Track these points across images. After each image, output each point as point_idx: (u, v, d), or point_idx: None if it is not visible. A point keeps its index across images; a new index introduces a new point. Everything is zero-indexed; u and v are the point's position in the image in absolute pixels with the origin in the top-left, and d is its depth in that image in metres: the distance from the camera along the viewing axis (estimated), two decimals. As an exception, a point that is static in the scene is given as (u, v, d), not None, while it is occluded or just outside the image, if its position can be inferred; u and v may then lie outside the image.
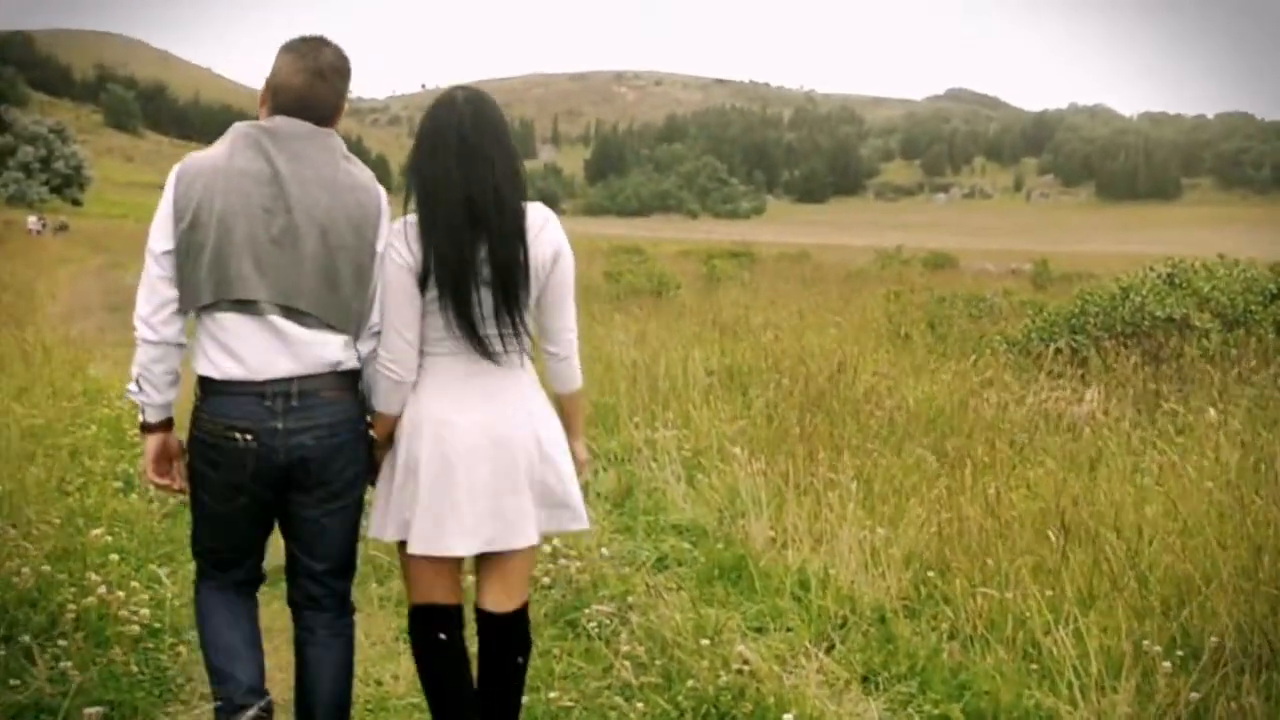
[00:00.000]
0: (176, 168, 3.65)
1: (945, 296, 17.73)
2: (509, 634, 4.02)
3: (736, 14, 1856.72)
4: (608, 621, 5.50)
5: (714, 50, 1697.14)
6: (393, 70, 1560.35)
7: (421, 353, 3.77)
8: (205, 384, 3.66)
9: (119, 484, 7.40)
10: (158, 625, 5.34)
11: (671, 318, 15.86)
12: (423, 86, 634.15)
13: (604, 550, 6.52)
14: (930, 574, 5.72)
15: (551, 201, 4.62)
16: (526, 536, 3.86)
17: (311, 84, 3.65)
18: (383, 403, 3.80)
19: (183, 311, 3.61)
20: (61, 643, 4.87)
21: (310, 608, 3.93)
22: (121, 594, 5.31)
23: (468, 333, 3.68)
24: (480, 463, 3.75)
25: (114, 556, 5.89)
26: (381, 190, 3.82)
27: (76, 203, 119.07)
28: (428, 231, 3.65)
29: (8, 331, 12.34)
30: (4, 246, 38.94)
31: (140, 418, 3.78)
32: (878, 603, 5.58)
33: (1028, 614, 5.06)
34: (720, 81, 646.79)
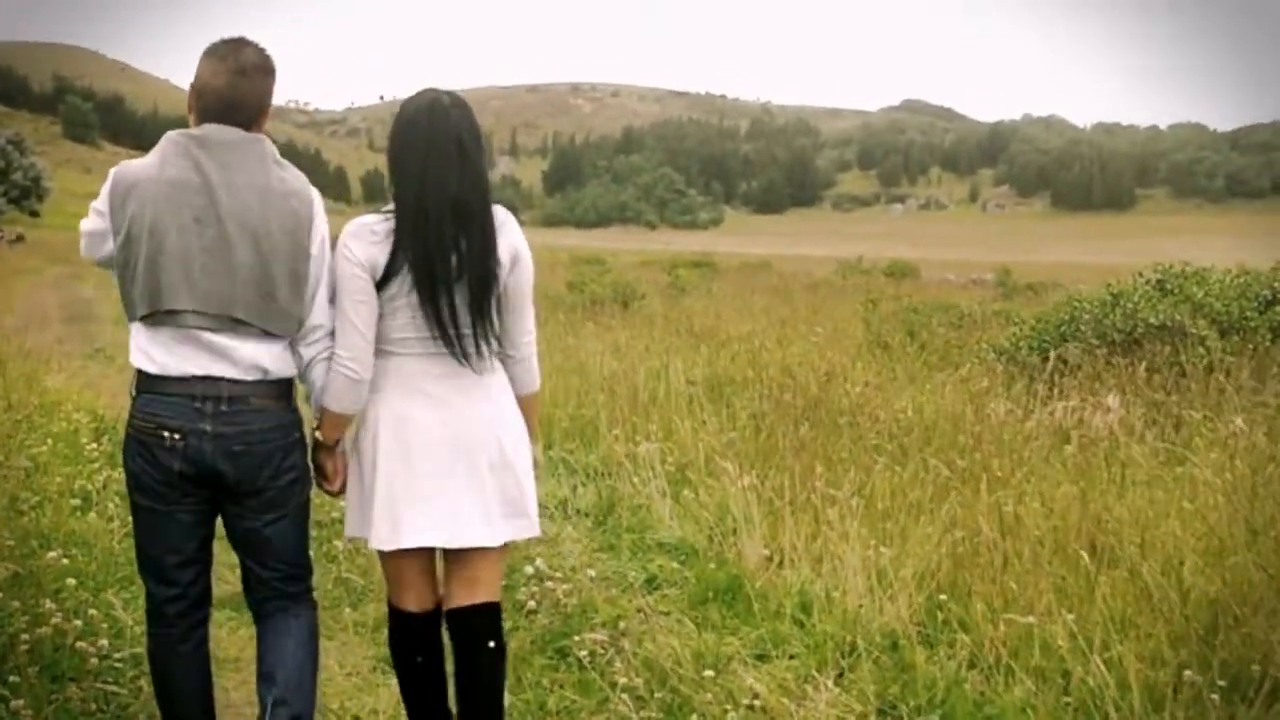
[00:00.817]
0: (112, 173, 3.68)
1: (917, 306, 17.44)
2: (476, 630, 3.99)
3: (692, 26, 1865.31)
4: (601, 650, 5.14)
5: (670, 62, 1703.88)
6: (351, 82, 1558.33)
7: (383, 352, 3.81)
8: (140, 380, 3.70)
9: (76, 502, 6.93)
10: (117, 656, 4.94)
11: (642, 327, 15.56)
12: (381, 98, 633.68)
13: (590, 572, 6.17)
14: (942, 597, 5.34)
15: (510, 212, 4.45)
16: (485, 536, 3.89)
17: (234, 83, 3.66)
18: (336, 401, 3.81)
19: (131, 320, 3.70)
20: (13, 679, 4.47)
21: (266, 604, 3.97)
22: (79, 623, 4.91)
23: (446, 334, 3.73)
24: (439, 460, 3.80)
25: (71, 581, 5.45)
26: (315, 193, 3.82)
27: (34, 214, 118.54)
28: (408, 233, 3.69)
29: (-38, 342, 11.89)
30: (-41, 258, 38.40)
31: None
32: (888, 628, 5.20)
33: (1056, 641, 4.70)
34: (677, 93, 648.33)
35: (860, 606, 5.37)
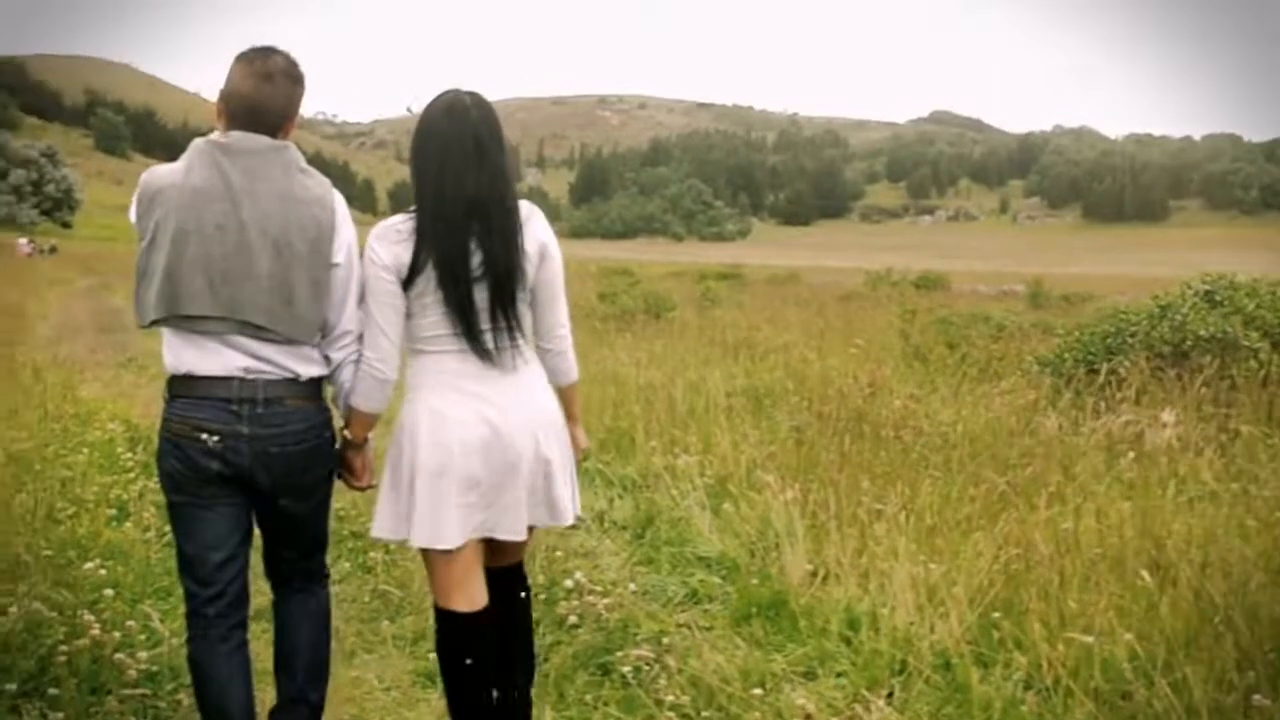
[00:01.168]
0: (142, 179, 3.74)
1: (953, 317, 17.25)
2: (506, 581, 4.17)
3: (720, 38, 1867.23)
4: (645, 667, 5.01)
5: (697, 74, 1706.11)
6: (378, 94, 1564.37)
7: (418, 351, 3.89)
8: (173, 383, 3.76)
9: (113, 512, 6.84)
10: (155, 668, 4.85)
11: (675, 338, 15.42)
12: (408, 110, 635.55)
13: (632, 586, 6.04)
14: (996, 615, 5.17)
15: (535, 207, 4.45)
16: (519, 531, 3.96)
17: (259, 88, 3.71)
18: (364, 400, 3.88)
19: (141, 324, 3.77)
20: (53, 691, 4.42)
21: (285, 579, 4.11)
22: (117, 634, 4.84)
23: (466, 330, 3.79)
24: (477, 457, 3.82)
25: (108, 591, 5.39)
26: (339, 200, 3.88)
27: (66, 225, 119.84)
28: (429, 232, 3.75)
29: None
30: (-5, 269, 38.61)
31: None
32: (940, 646, 5.03)
33: (1117, 662, 4.53)
34: (704, 105, 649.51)
35: (911, 624, 5.22)
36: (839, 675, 5.02)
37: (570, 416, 4.20)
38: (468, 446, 3.81)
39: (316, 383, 3.88)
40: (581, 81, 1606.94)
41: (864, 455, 7.40)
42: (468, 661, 4.00)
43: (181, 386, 3.72)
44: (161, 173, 3.73)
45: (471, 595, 4.00)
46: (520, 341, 3.90)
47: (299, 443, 3.79)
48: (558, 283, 4.01)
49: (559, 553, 6.52)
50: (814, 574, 5.97)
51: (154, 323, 3.68)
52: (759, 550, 6.47)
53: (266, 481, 3.76)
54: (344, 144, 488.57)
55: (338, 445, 4.02)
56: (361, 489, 4.20)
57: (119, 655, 4.68)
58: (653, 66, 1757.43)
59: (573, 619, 5.59)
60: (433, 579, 4.03)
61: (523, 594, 4.27)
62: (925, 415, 8.68)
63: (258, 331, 3.67)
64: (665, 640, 5.34)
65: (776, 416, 9.09)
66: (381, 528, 3.99)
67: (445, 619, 4.02)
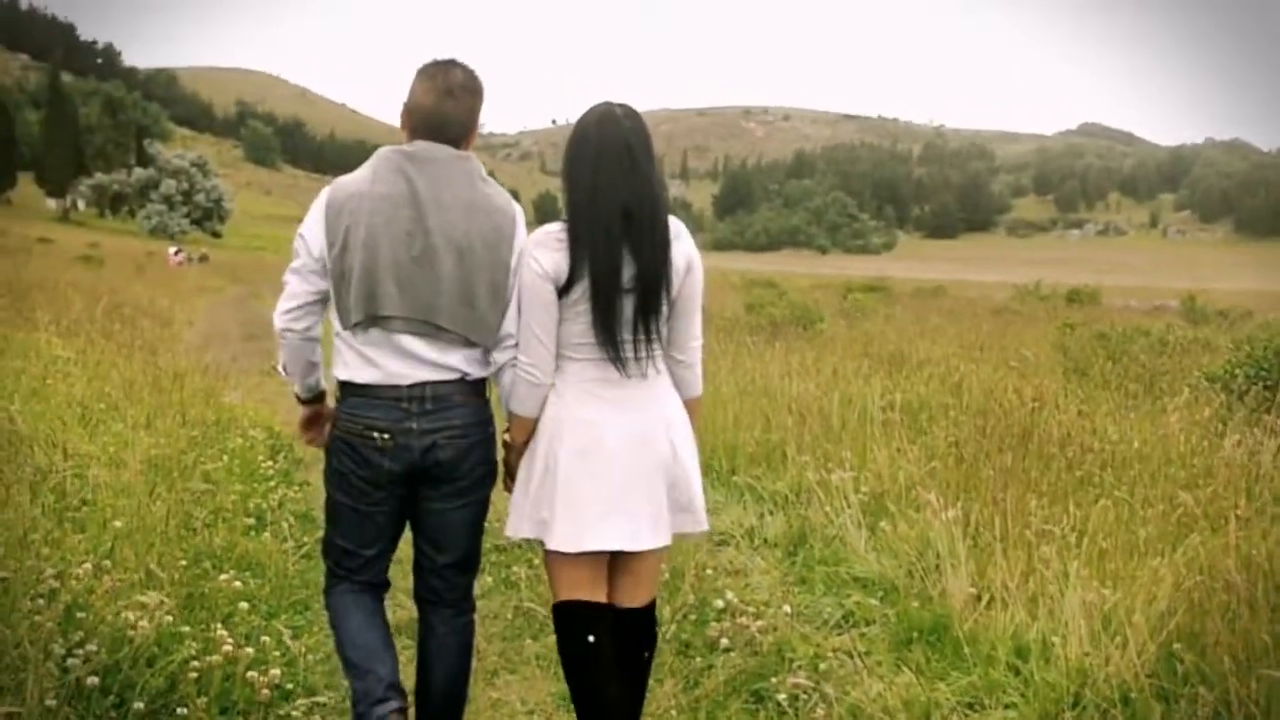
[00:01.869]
0: (325, 192, 3.87)
1: (1110, 332, 16.74)
2: (638, 629, 4.15)
3: (865, 49, 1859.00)
4: (803, 695, 4.77)
5: (842, 85, 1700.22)
6: (523, 106, 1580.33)
7: (565, 357, 3.92)
8: (345, 387, 3.92)
9: (250, 521, 6.78)
10: (290, 686, 4.76)
11: (824, 350, 15.13)
12: (553, 122, 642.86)
13: (786, 608, 5.79)
14: (1176, 646, 4.81)
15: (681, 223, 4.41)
16: (658, 538, 3.99)
17: (441, 102, 3.85)
18: (521, 405, 3.95)
19: (345, 327, 3.86)
20: (181, 710, 4.28)
21: (432, 601, 4.16)
22: (250, 650, 4.70)
23: (608, 339, 3.83)
24: (618, 465, 3.88)
25: (243, 605, 5.29)
26: (518, 210, 4.00)
27: (216, 235, 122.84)
28: (579, 239, 3.79)
29: (141, 358, 11.91)
30: (144, 276, 39.45)
31: (293, 389, 4.14)
32: (1118, 679, 4.69)
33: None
34: (849, 117, 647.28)
35: (1085, 654, 4.89)
36: (1007, 707, 4.77)
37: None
38: (611, 454, 3.88)
39: (482, 383, 4.01)
40: (726, 93, 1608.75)
41: (1030, 473, 7.06)
42: (590, 639, 3.99)
43: (355, 388, 3.89)
44: (346, 182, 3.87)
45: (595, 592, 4.05)
46: (657, 352, 3.97)
47: (464, 436, 3.91)
48: (698, 297, 4.05)
49: (709, 570, 6.32)
50: (978, 598, 5.67)
51: (355, 325, 3.81)
52: (918, 571, 6.19)
53: (433, 473, 3.90)
54: (490, 155, 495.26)
55: (498, 448, 4.12)
56: None
57: (251, 673, 4.55)
58: (797, 78, 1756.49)
59: (724, 641, 5.40)
60: (557, 578, 4.07)
61: (646, 654, 4.21)
62: (1092, 431, 8.30)
63: (439, 332, 3.81)
64: (822, 666, 5.16)
65: (934, 431, 8.75)
66: (517, 528, 4.05)
67: (565, 606, 4.06)
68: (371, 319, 3.79)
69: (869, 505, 7.20)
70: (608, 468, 3.88)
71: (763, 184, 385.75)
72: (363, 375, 3.86)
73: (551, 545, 3.94)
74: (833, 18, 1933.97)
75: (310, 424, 4.23)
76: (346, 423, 3.90)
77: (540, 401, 3.94)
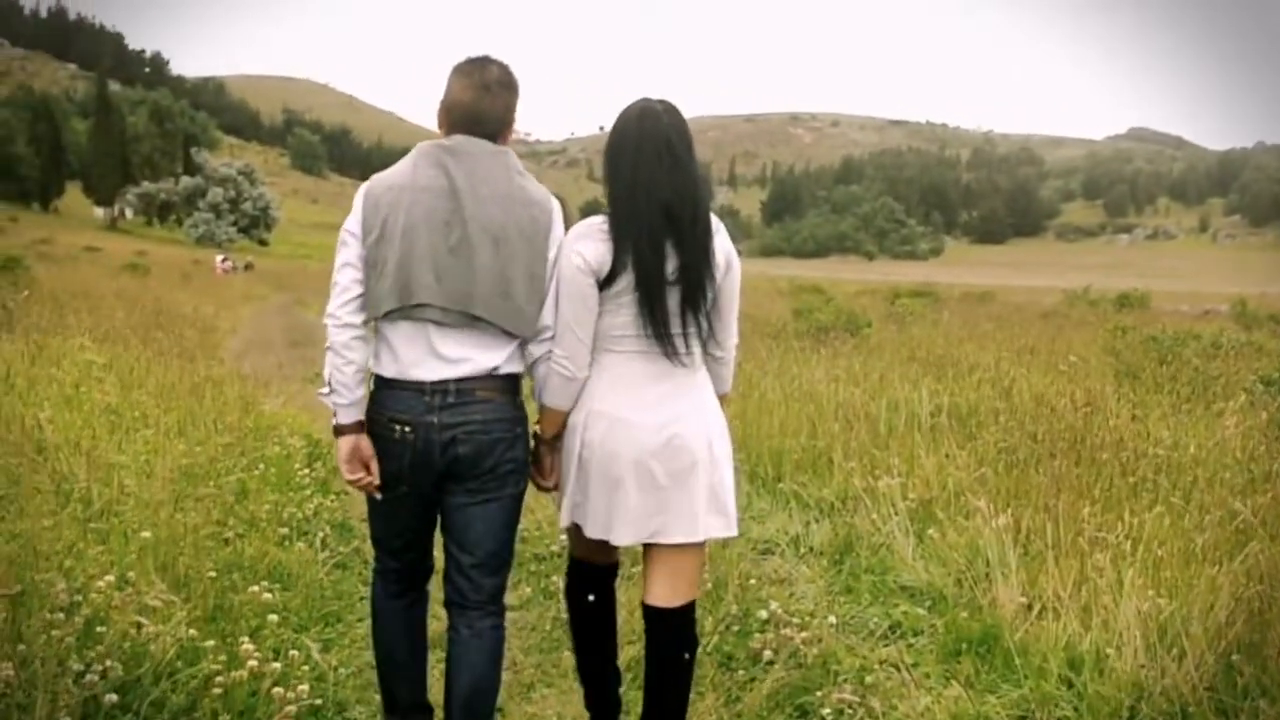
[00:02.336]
0: (364, 185, 3.94)
1: (1162, 336, 16.50)
2: (676, 630, 4.10)
3: (912, 55, 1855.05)
4: (849, 711, 4.65)
5: (890, 91, 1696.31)
6: (570, 113, 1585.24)
7: (605, 350, 3.97)
8: (377, 381, 3.96)
9: (284, 530, 6.68)
10: (318, 701, 4.65)
11: (872, 355, 15.00)
12: (600, 129, 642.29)
13: (831, 618, 5.66)
14: (1235, 658, 4.65)
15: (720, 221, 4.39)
16: (690, 531, 3.99)
17: (478, 98, 3.91)
18: (553, 398, 4.00)
19: (368, 318, 3.90)
20: (202, 728, 4.16)
21: (458, 604, 4.10)
22: (277, 665, 4.58)
23: (658, 332, 3.87)
24: (652, 460, 3.91)
25: (273, 617, 5.17)
26: (556, 203, 4.04)
27: (263, 243, 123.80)
28: (623, 233, 3.83)
29: (179, 365, 11.88)
30: (190, 284, 39.69)
31: (333, 420, 3.97)
32: (1176, 692, 4.54)
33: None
34: (896, 122, 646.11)
35: (1141, 667, 4.74)
36: (1061, 721, 4.58)
37: None
38: (645, 448, 3.91)
39: (513, 379, 4.00)
40: (774, 99, 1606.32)
41: (1082, 478, 6.90)
42: (590, 598, 4.27)
43: (383, 380, 3.95)
44: (385, 175, 3.94)
45: (604, 556, 4.29)
46: (697, 348, 4.00)
47: (486, 432, 3.89)
48: (735, 294, 4.10)
49: (753, 580, 6.20)
50: (1029, 607, 5.54)
51: (387, 314, 3.84)
52: (967, 580, 6.06)
53: (453, 467, 3.90)
54: (537, 162, 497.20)
55: (531, 445, 4.14)
56: (549, 489, 4.25)
57: (278, 689, 4.42)
58: (845, 83, 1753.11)
59: (768, 653, 5.28)
60: (578, 541, 4.26)
61: (687, 655, 4.14)
62: (1145, 435, 8.13)
63: (474, 323, 3.83)
64: (868, 679, 5.03)
65: (984, 437, 8.59)
66: (565, 517, 4.15)
67: (577, 565, 4.35)
68: (403, 309, 3.81)
69: (917, 512, 7.08)
70: (640, 463, 3.91)
71: (810, 190, 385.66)
72: (390, 369, 3.90)
73: (588, 532, 4.03)
74: (881, 23, 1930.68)
75: (353, 459, 3.98)
76: (373, 413, 3.94)
77: (573, 395, 3.99)
